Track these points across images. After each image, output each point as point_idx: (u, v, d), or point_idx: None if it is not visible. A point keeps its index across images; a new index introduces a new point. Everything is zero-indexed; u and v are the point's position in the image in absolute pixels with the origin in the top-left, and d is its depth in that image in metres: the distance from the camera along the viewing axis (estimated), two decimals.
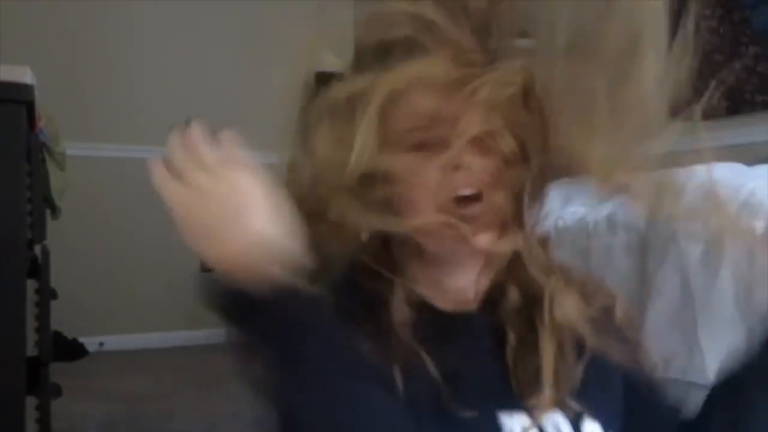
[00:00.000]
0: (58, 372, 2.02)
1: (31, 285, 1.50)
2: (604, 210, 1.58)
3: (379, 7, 0.74)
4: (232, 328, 0.66)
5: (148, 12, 3.94)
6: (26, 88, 1.29)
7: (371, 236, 0.76)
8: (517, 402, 0.69)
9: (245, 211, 0.64)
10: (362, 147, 0.70)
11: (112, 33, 3.89)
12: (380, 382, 0.63)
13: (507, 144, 0.68)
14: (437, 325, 0.71)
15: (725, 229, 0.81)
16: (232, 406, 2.71)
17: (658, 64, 0.67)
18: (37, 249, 1.87)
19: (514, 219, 0.69)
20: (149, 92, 3.95)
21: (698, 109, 0.69)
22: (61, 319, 3.22)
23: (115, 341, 3.79)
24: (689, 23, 0.70)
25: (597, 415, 0.71)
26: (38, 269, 1.70)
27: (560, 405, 0.69)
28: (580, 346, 0.71)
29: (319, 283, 0.66)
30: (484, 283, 0.74)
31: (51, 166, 2.65)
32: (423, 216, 0.68)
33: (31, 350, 1.45)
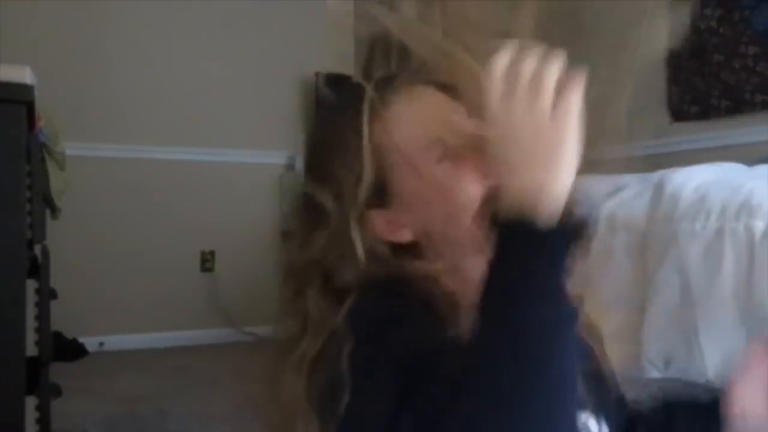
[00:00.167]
0: (58, 372, 2.02)
1: (31, 285, 1.50)
2: (604, 210, 1.58)
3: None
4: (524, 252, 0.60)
5: (148, 12, 3.94)
6: (26, 88, 1.29)
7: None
8: None
9: (572, 147, 0.61)
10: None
11: (112, 33, 3.89)
12: None
13: None
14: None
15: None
16: (231, 406, 2.71)
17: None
18: (37, 249, 1.87)
19: None
20: (149, 92, 3.95)
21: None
22: (61, 319, 3.23)
23: (115, 341, 3.79)
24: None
25: (601, 411, 0.74)
26: (38, 269, 1.70)
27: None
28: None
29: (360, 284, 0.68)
30: None
31: (51, 166, 2.65)
32: (468, 226, 0.70)
33: (31, 350, 1.45)
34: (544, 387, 0.57)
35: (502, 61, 0.61)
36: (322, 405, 0.65)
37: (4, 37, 3.36)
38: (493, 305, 0.59)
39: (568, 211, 0.59)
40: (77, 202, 3.47)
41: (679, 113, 3.45)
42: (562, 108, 0.60)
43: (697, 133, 3.33)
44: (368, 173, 0.73)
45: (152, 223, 3.94)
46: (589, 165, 0.72)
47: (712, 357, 1.30)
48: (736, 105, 3.19)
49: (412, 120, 0.75)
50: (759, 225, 1.25)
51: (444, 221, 0.74)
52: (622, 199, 1.67)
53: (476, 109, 0.68)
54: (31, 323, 1.50)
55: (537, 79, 0.62)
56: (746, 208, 1.27)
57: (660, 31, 0.75)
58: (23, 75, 1.28)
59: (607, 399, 0.76)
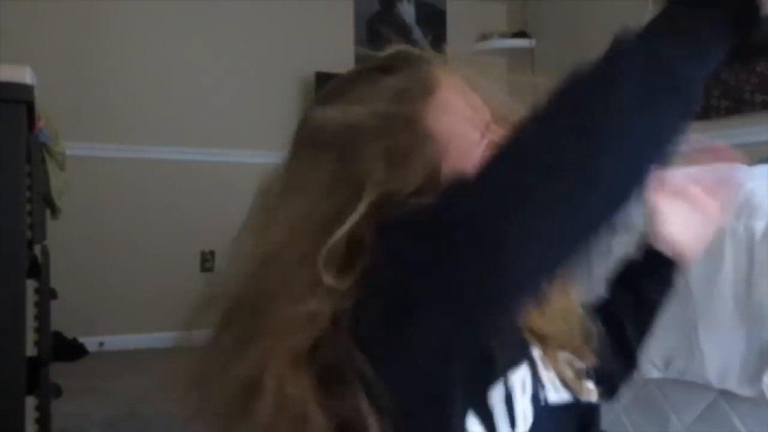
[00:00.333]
0: (58, 372, 2.02)
1: (31, 285, 1.50)
2: None
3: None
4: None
5: (148, 13, 3.94)
6: (26, 88, 1.29)
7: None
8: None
9: None
10: None
11: (112, 33, 3.89)
12: None
13: None
14: None
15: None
16: None
17: None
18: (37, 249, 1.87)
19: None
20: (149, 92, 3.96)
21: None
22: (61, 319, 3.23)
23: (115, 341, 3.79)
24: None
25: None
26: (38, 269, 1.70)
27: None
28: None
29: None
30: None
31: (51, 166, 2.65)
32: None
33: (31, 350, 1.45)
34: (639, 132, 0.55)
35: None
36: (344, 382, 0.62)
37: (4, 37, 3.36)
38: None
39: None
40: (77, 202, 3.47)
41: None
42: None
43: (697, 133, 3.33)
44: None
45: (152, 223, 3.94)
46: None
47: (712, 357, 1.30)
48: (736, 105, 3.19)
49: (457, 104, 0.75)
50: (759, 225, 1.25)
51: None
52: None
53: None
54: (31, 323, 1.50)
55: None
56: (746, 208, 1.27)
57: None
58: (23, 75, 1.28)
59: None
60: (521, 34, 4.42)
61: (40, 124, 2.19)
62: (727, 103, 3.23)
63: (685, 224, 0.90)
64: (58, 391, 1.87)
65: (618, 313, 0.92)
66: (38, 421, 1.57)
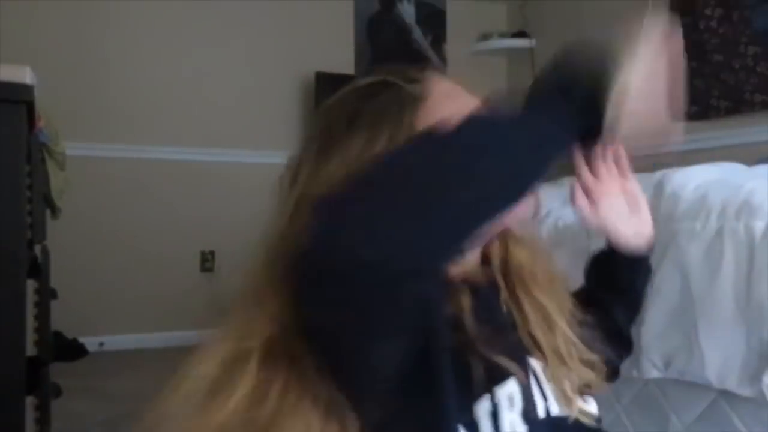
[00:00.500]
0: (58, 372, 2.02)
1: (31, 285, 1.50)
2: None
3: None
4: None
5: (148, 12, 3.94)
6: (26, 88, 1.29)
7: None
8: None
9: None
10: None
11: (112, 33, 3.89)
12: None
13: None
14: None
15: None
16: None
17: None
18: (37, 249, 1.87)
19: None
20: (149, 92, 3.96)
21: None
22: (61, 319, 3.23)
23: (115, 341, 3.79)
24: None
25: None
26: (38, 269, 1.70)
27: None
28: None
29: None
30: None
31: (51, 166, 2.65)
32: None
33: (31, 350, 1.45)
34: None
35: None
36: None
37: (4, 37, 3.36)
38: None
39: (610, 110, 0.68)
40: (77, 202, 3.47)
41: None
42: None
43: (697, 133, 3.33)
44: None
45: (152, 223, 3.94)
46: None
47: (712, 357, 1.30)
48: (736, 105, 3.19)
49: (443, 110, 0.77)
50: (759, 225, 1.24)
51: None
52: None
53: None
54: (31, 323, 1.50)
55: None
56: (746, 208, 1.27)
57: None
58: (23, 75, 1.28)
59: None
60: (521, 34, 4.42)
61: (40, 124, 2.19)
62: (727, 103, 3.23)
63: (618, 216, 0.92)
64: (58, 391, 1.87)
65: (602, 301, 0.95)
66: (38, 421, 1.57)
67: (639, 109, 0.70)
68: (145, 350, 3.79)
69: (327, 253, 0.55)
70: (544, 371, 0.77)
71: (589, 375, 0.80)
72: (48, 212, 2.72)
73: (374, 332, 0.58)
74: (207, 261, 4.06)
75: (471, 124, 0.62)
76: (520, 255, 0.83)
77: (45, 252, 1.98)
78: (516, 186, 0.63)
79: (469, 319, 0.72)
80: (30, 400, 1.46)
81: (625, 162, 0.94)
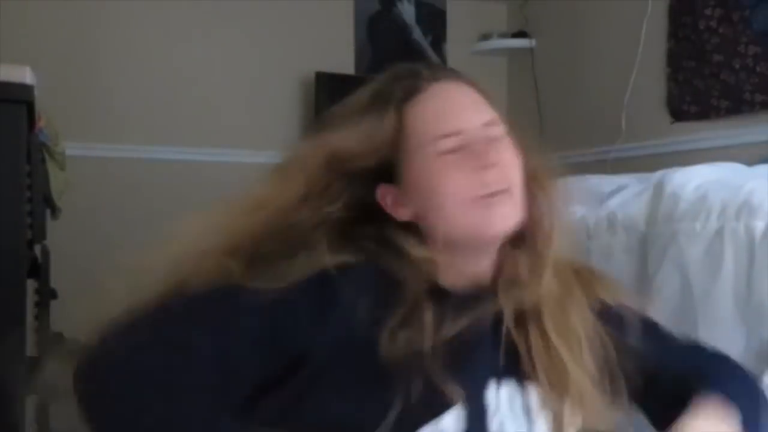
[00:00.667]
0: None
1: (31, 285, 1.50)
2: (604, 210, 1.58)
3: None
4: None
5: (148, 12, 3.94)
6: (26, 88, 1.29)
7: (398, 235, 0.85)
8: (506, 373, 0.80)
9: None
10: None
11: (112, 33, 3.89)
12: None
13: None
14: (443, 301, 0.80)
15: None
16: None
17: None
18: (37, 249, 1.87)
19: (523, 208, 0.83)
20: (149, 92, 3.95)
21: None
22: (61, 319, 3.22)
23: None
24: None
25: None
26: (38, 269, 1.70)
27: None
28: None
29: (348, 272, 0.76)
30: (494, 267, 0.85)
31: (51, 166, 2.65)
32: (454, 217, 0.81)
33: (31, 350, 1.45)
34: None
35: None
36: None
37: (4, 37, 3.36)
38: None
39: None
40: (77, 202, 3.47)
41: (679, 113, 3.46)
42: None
43: (697, 133, 3.33)
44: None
45: (152, 223, 3.93)
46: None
47: None
48: (736, 105, 3.19)
49: (429, 113, 0.83)
50: (759, 225, 1.25)
51: (435, 211, 0.81)
52: (622, 199, 1.67)
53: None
54: (31, 323, 1.50)
55: None
56: (746, 208, 1.27)
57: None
58: (23, 75, 1.29)
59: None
60: (521, 34, 4.42)
61: (40, 124, 2.19)
62: (727, 103, 3.23)
63: None
64: None
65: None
66: (38, 421, 1.57)
67: None
68: None
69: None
70: (540, 397, 0.77)
71: (595, 410, 0.80)
72: (48, 212, 2.72)
73: None
74: None
75: None
76: (549, 283, 0.82)
77: (45, 252, 1.98)
78: None
79: (428, 335, 0.74)
80: (30, 400, 1.46)
81: None
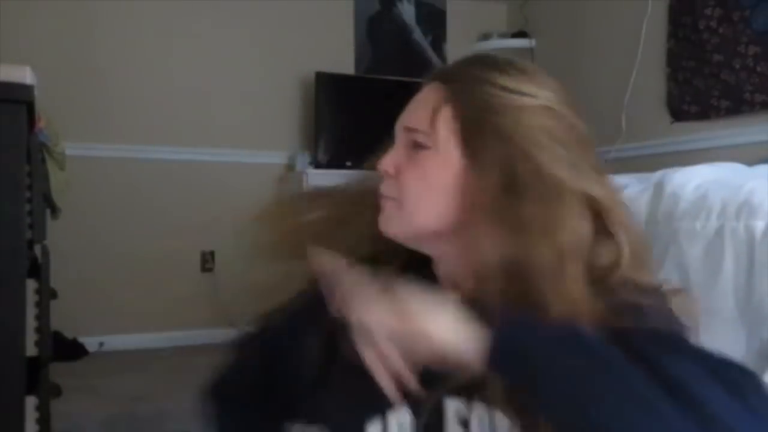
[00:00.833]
0: (58, 372, 2.02)
1: (31, 285, 1.50)
2: None
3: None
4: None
5: (148, 12, 3.94)
6: (26, 88, 1.29)
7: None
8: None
9: None
10: None
11: (112, 33, 3.89)
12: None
13: None
14: None
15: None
16: None
17: None
18: (37, 249, 1.87)
19: None
20: (149, 92, 3.95)
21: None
22: (61, 319, 3.23)
23: (115, 341, 3.79)
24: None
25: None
26: (38, 269, 1.70)
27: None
28: None
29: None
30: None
31: (51, 166, 2.65)
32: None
33: (31, 350, 1.45)
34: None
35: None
36: None
37: (4, 37, 3.36)
38: None
39: None
40: (77, 202, 3.47)
41: (679, 113, 3.46)
42: None
43: (697, 133, 3.33)
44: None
45: (152, 223, 3.94)
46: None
47: None
48: (736, 105, 3.18)
49: (414, 108, 0.81)
50: (759, 225, 1.25)
51: (421, 202, 0.78)
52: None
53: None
54: (31, 323, 1.50)
55: None
56: (746, 208, 1.27)
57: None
58: (23, 75, 1.29)
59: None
60: (521, 34, 4.42)
61: (40, 124, 2.19)
62: (727, 103, 3.23)
63: None
64: (58, 391, 1.87)
65: None
66: (38, 421, 1.57)
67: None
68: (145, 350, 3.79)
69: None
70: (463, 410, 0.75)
71: None
72: (48, 212, 2.72)
73: None
74: (207, 261, 4.06)
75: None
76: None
77: (45, 252, 1.98)
78: None
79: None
80: (30, 400, 1.46)
81: None
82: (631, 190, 1.61)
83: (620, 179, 1.83)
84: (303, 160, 4.03)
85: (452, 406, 0.73)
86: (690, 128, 3.38)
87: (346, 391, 0.78)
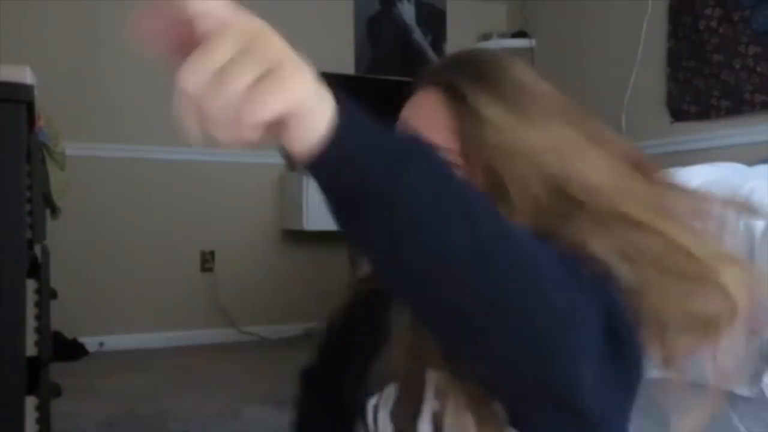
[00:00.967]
0: (58, 372, 2.02)
1: (31, 285, 1.50)
2: None
3: None
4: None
5: None
6: (26, 88, 1.29)
7: None
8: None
9: None
10: None
11: (112, 33, 3.89)
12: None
13: None
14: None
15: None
16: (232, 406, 2.70)
17: None
18: (37, 249, 1.86)
19: None
20: (149, 92, 3.95)
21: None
22: (61, 319, 3.23)
23: (115, 341, 3.79)
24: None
25: None
26: (38, 269, 1.70)
27: None
28: None
29: None
30: None
31: (51, 166, 2.65)
32: None
33: (31, 350, 1.45)
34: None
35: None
36: None
37: (4, 37, 3.36)
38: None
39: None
40: (77, 202, 3.47)
41: (679, 113, 3.46)
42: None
43: (697, 133, 3.33)
44: None
45: (152, 223, 3.94)
46: None
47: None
48: (736, 105, 3.19)
49: (409, 116, 0.80)
50: (759, 224, 1.25)
51: None
52: None
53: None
54: (31, 323, 1.50)
55: None
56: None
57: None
58: (23, 75, 1.29)
59: None
60: (521, 34, 4.42)
61: (40, 124, 2.19)
62: (727, 103, 3.23)
63: None
64: (58, 391, 1.86)
65: None
66: (38, 421, 1.57)
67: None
68: (145, 350, 3.79)
69: None
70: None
71: None
72: (48, 212, 2.72)
73: None
74: (207, 261, 4.06)
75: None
76: None
77: (45, 252, 1.98)
78: None
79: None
80: (30, 400, 1.46)
81: None
82: None
83: None
84: None
85: (433, 378, 0.73)
86: (690, 128, 3.38)
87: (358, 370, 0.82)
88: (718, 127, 3.25)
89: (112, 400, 2.80)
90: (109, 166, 3.85)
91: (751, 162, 1.81)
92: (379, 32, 4.51)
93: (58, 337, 3.31)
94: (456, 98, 0.75)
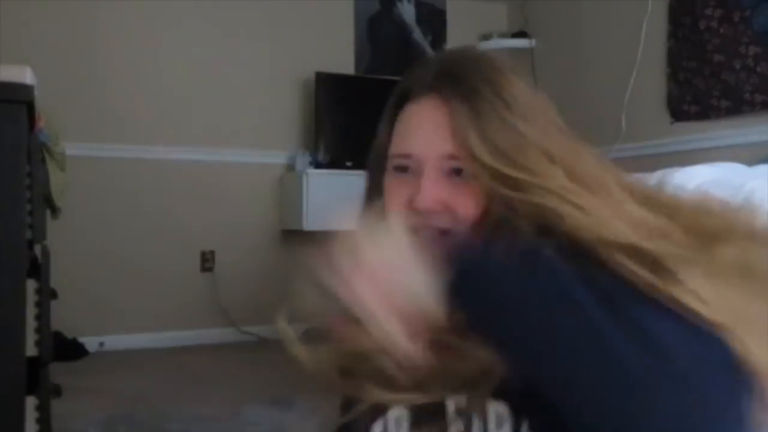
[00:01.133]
0: (58, 372, 2.02)
1: (31, 285, 1.50)
2: None
3: None
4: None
5: (148, 12, 3.94)
6: (26, 88, 1.29)
7: None
8: None
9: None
10: None
11: (112, 33, 3.89)
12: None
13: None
14: None
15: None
16: (232, 406, 2.70)
17: None
18: (37, 249, 1.86)
19: None
20: (149, 92, 3.96)
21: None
22: (61, 319, 3.23)
23: (115, 341, 3.79)
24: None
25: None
26: (38, 269, 1.70)
27: None
28: None
29: None
30: None
31: (51, 166, 2.65)
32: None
33: (31, 350, 1.45)
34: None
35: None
36: None
37: (4, 37, 3.36)
38: None
39: None
40: (77, 202, 3.47)
41: (679, 113, 3.46)
42: None
43: (697, 133, 3.33)
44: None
45: (152, 222, 3.94)
46: None
47: None
48: (736, 105, 3.19)
49: (402, 126, 0.82)
50: (759, 225, 1.24)
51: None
52: None
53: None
54: (31, 323, 1.50)
55: None
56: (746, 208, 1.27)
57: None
58: (23, 75, 1.29)
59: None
60: (521, 34, 4.42)
61: (40, 124, 2.19)
62: (727, 103, 3.23)
63: None
64: (58, 391, 1.87)
65: None
66: (38, 421, 1.57)
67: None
68: (145, 350, 3.79)
69: None
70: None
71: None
72: (48, 212, 2.72)
73: None
74: (207, 261, 4.06)
75: None
76: None
77: (45, 252, 1.98)
78: None
79: None
80: (30, 400, 1.46)
81: None
82: None
83: None
84: (303, 160, 4.03)
85: (453, 403, 0.72)
86: (690, 128, 3.38)
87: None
88: (718, 127, 3.25)
89: (112, 400, 2.80)
90: (109, 166, 3.85)
91: (751, 162, 1.81)
92: (379, 32, 4.51)
93: (58, 337, 3.31)
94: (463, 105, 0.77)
